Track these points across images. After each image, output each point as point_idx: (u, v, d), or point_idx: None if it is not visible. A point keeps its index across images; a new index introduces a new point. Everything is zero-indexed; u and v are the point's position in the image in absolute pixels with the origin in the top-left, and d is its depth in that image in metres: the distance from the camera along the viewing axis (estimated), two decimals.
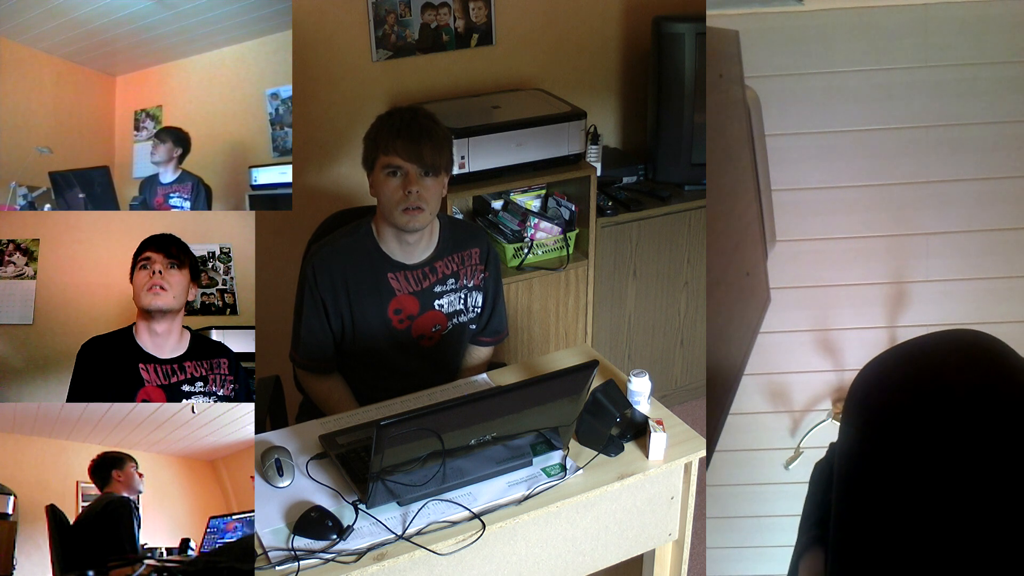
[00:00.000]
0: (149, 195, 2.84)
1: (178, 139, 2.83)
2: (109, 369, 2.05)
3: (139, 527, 2.18)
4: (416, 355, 2.41)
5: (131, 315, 2.11)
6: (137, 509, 2.20)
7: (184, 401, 2.08)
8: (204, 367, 2.11)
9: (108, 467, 2.27)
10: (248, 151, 3.05)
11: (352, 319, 2.32)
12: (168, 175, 2.81)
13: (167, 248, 2.09)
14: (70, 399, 2.06)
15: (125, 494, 2.21)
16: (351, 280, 2.30)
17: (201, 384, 2.09)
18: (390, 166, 2.21)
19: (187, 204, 2.82)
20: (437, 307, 2.38)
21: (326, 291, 2.29)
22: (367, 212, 2.45)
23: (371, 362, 2.38)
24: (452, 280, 2.38)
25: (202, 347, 2.15)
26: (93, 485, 2.44)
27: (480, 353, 2.56)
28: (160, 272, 2.06)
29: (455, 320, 2.42)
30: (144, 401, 2.06)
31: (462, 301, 2.41)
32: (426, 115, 2.27)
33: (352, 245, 2.32)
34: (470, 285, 2.41)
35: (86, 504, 2.33)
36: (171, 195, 2.81)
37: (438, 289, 2.37)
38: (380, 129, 2.25)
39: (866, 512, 1.11)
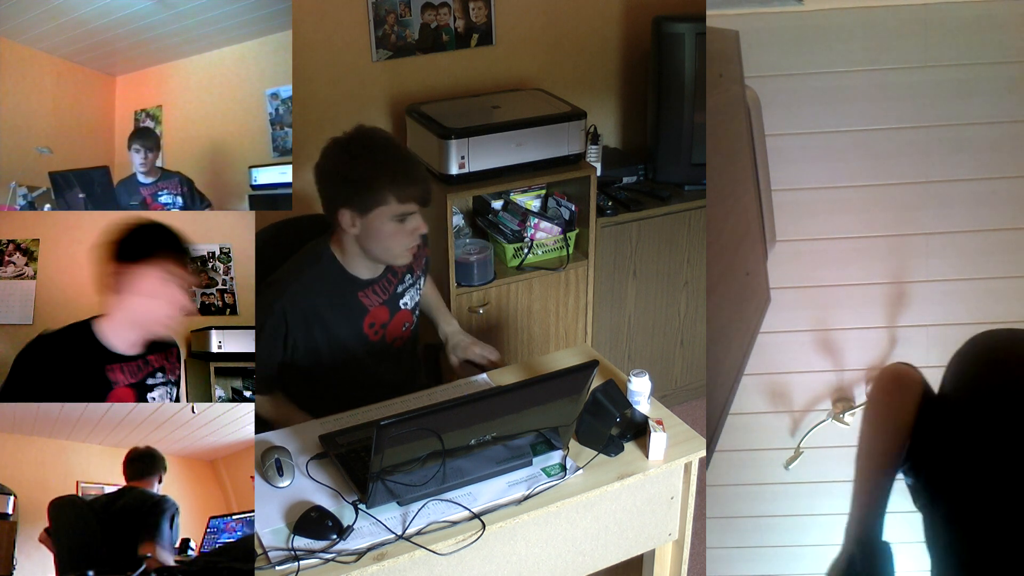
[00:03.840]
0: (130, 197, 2.83)
1: (156, 143, 2.83)
2: (71, 374, 1.89)
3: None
4: (390, 359, 2.42)
5: None
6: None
7: (149, 394, 2.00)
8: (162, 357, 2.03)
9: (153, 469, 2.25)
10: (248, 151, 3.05)
11: (328, 345, 2.29)
12: (147, 176, 2.82)
13: (183, 259, 1.88)
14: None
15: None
16: (324, 310, 2.26)
17: (161, 375, 2.01)
18: (403, 214, 2.15)
19: (179, 200, 2.82)
20: (402, 306, 2.40)
21: (298, 328, 2.23)
22: (306, 223, 2.44)
23: (347, 377, 2.36)
24: (408, 275, 2.40)
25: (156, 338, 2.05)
26: (99, 481, 2.43)
27: (428, 288, 2.57)
28: (191, 290, 1.90)
29: (416, 312, 2.46)
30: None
31: (418, 290, 2.44)
32: (400, 144, 2.22)
33: (319, 275, 2.26)
34: (419, 272, 2.44)
35: (116, 494, 2.29)
36: (159, 193, 2.81)
37: (400, 289, 2.38)
38: (378, 172, 2.12)
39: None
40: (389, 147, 2.19)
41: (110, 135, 3.15)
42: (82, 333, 1.91)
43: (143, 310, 1.88)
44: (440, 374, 2.68)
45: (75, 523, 2.05)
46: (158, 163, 2.85)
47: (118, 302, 1.88)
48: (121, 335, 1.92)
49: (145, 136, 2.84)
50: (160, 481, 2.25)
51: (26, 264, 2.61)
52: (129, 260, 1.86)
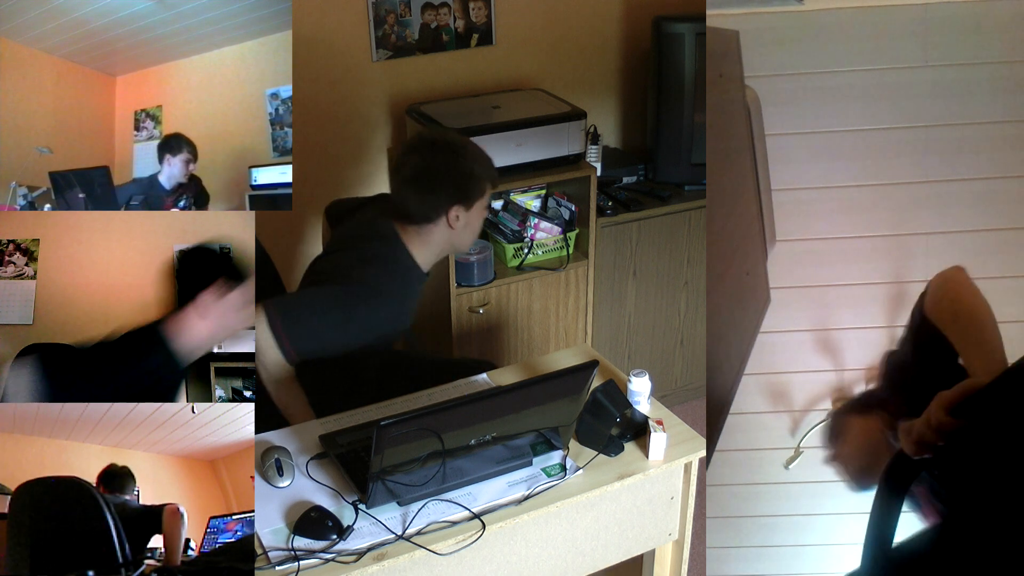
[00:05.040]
0: (152, 200, 2.82)
1: (195, 151, 2.84)
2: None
3: None
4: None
5: (130, 314, 2.09)
6: None
7: None
8: None
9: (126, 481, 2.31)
10: (248, 151, 3.05)
11: (391, 326, 2.35)
12: (173, 181, 2.81)
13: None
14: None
15: None
16: (405, 315, 2.35)
17: None
18: (488, 203, 2.34)
19: (192, 205, 2.83)
20: None
21: (383, 326, 2.30)
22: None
23: (375, 375, 2.40)
24: None
25: None
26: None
27: None
28: None
29: None
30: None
31: None
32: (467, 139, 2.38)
33: (410, 291, 2.34)
34: None
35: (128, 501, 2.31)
36: (178, 200, 2.82)
37: None
38: (474, 166, 2.28)
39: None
40: (471, 144, 2.32)
41: (110, 135, 3.15)
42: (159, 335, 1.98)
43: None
44: None
45: (90, 514, 1.99)
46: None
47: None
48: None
49: (190, 145, 2.84)
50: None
51: (26, 264, 2.60)
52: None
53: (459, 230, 2.30)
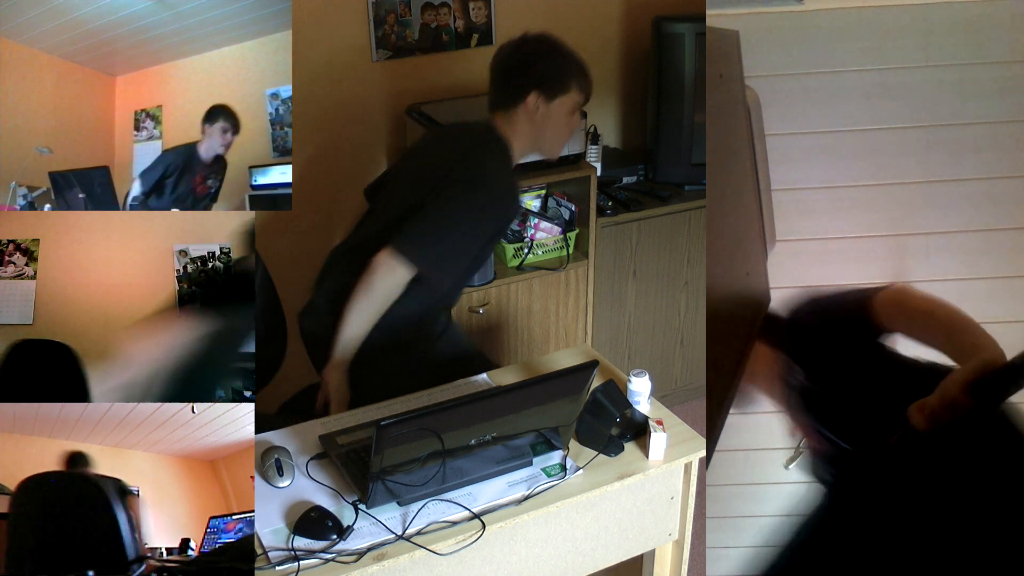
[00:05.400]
0: (185, 176, 2.80)
1: (235, 121, 2.82)
2: None
3: None
4: None
5: (130, 314, 2.09)
6: None
7: None
8: None
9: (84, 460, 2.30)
10: (248, 151, 3.05)
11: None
12: (211, 152, 2.79)
13: None
14: None
15: None
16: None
17: None
18: (576, 107, 2.38)
19: (219, 188, 2.82)
20: None
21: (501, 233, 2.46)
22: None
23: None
24: None
25: None
26: None
27: None
28: None
29: None
30: None
31: None
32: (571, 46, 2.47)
33: (501, 160, 2.39)
34: None
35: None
36: (208, 177, 2.80)
37: None
38: (566, 63, 2.36)
39: None
40: (567, 47, 2.42)
41: (110, 135, 3.15)
42: None
43: None
44: None
45: (94, 510, 1.98)
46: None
47: None
48: None
49: (227, 113, 2.81)
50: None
51: (26, 264, 2.60)
52: None
53: (539, 123, 2.36)
